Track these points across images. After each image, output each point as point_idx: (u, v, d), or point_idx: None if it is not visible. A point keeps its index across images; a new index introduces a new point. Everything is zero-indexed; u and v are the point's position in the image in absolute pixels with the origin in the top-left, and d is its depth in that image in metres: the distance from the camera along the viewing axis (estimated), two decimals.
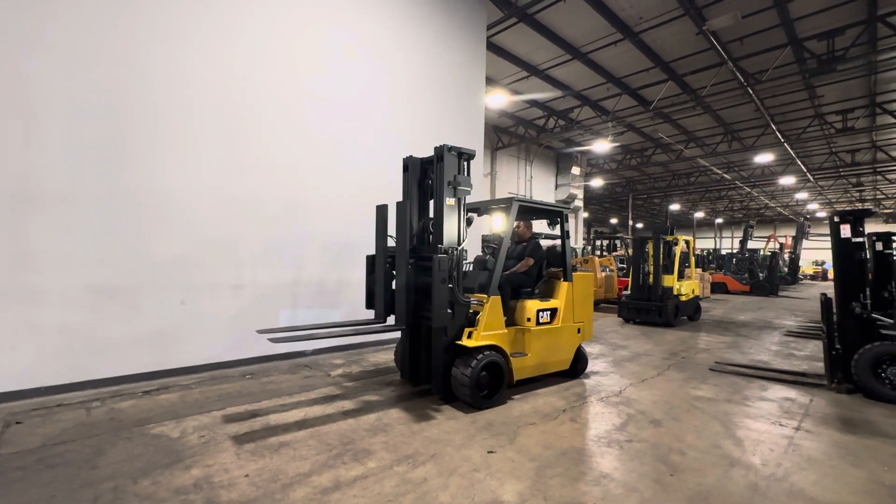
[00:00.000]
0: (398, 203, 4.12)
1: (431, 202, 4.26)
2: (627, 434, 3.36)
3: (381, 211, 4.23)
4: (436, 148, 4.04)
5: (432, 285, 3.72)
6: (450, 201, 3.94)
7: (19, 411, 3.58)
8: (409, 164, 4.36)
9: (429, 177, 4.32)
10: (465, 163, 4.09)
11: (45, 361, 3.97)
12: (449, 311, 3.78)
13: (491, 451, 2.98)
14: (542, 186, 18.78)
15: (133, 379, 4.39)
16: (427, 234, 4.25)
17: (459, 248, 3.96)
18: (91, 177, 4.19)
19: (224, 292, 5.04)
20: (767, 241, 25.55)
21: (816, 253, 33.12)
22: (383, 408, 3.83)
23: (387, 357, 5.74)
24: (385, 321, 4.23)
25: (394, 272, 4.16)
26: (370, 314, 4.41)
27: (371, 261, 4.40)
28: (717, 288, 17.53)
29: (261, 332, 3.84)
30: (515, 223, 4.79)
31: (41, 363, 3.95)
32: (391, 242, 4.21)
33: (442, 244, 3.88)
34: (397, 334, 4.59)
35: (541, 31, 9.55)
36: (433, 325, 3.80)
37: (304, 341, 4.21)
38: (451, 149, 3.96)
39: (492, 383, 3.91)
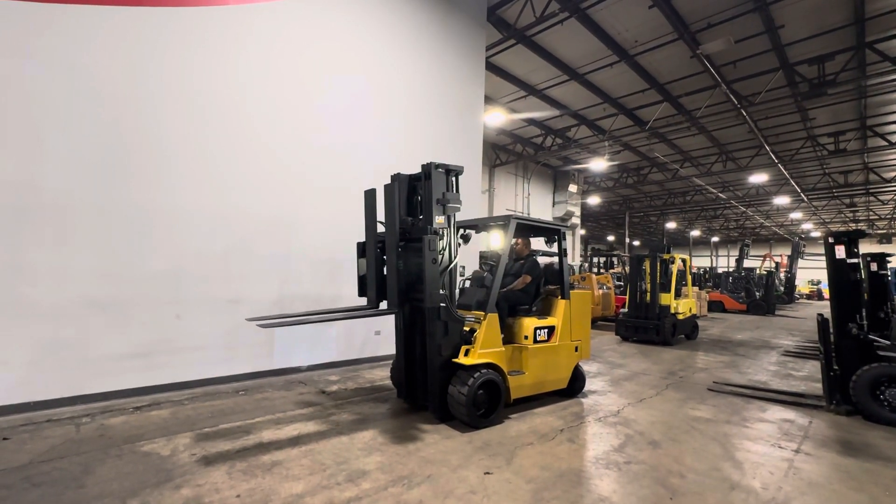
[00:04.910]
0: (386, 186, 4.00)
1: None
2: (626, 455, 3.32)
3: (370, 196, 4.09)
4: (423, 165, 3.95)
5: (424, 265, 3.65)
6: (439, 219, 3.84)
7: (6, 427, 3.50)
8: (396, 180, 4.12)
9: (417, 193, 4.18)
10: (454, 179, 4.00)
11: (36, 375, 3.91)
12: (443, 291, 3.72)
13: (488, 473, 2.93)
14: (539, 203, 18.91)
15: (125, 394, 4.32)
16: (417, 222, 4.12)
17: (452, 264, 3.92)
18: (88, 190, 4.20)
19: (219, 307, 5.00)
20: (763, 260, 25.69)
21: (812, 272, 33.27)
22: (378, 426, 3.77)
23: (383, 374, 5.68)
24: (377, 307, 4.11)
25: (384, 257, 4.03)
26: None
27: (361, 247, 4.32)
28: (714, 306, 17.54)
29: (250, 319, 3.80)
30: (513, 240, 4.80)
31: (31, 377, 3.89)
32: (381, 229, 4.07)
33: (432, 225, 3.77)
34: (393, 351, 4.53)
35: (539, 52, 9.76)
36: (426, 306, 3.72)
37: (294, 325, 4.21)
38: (438, 166, 3.86)
39: (489, 402, 3.87)
